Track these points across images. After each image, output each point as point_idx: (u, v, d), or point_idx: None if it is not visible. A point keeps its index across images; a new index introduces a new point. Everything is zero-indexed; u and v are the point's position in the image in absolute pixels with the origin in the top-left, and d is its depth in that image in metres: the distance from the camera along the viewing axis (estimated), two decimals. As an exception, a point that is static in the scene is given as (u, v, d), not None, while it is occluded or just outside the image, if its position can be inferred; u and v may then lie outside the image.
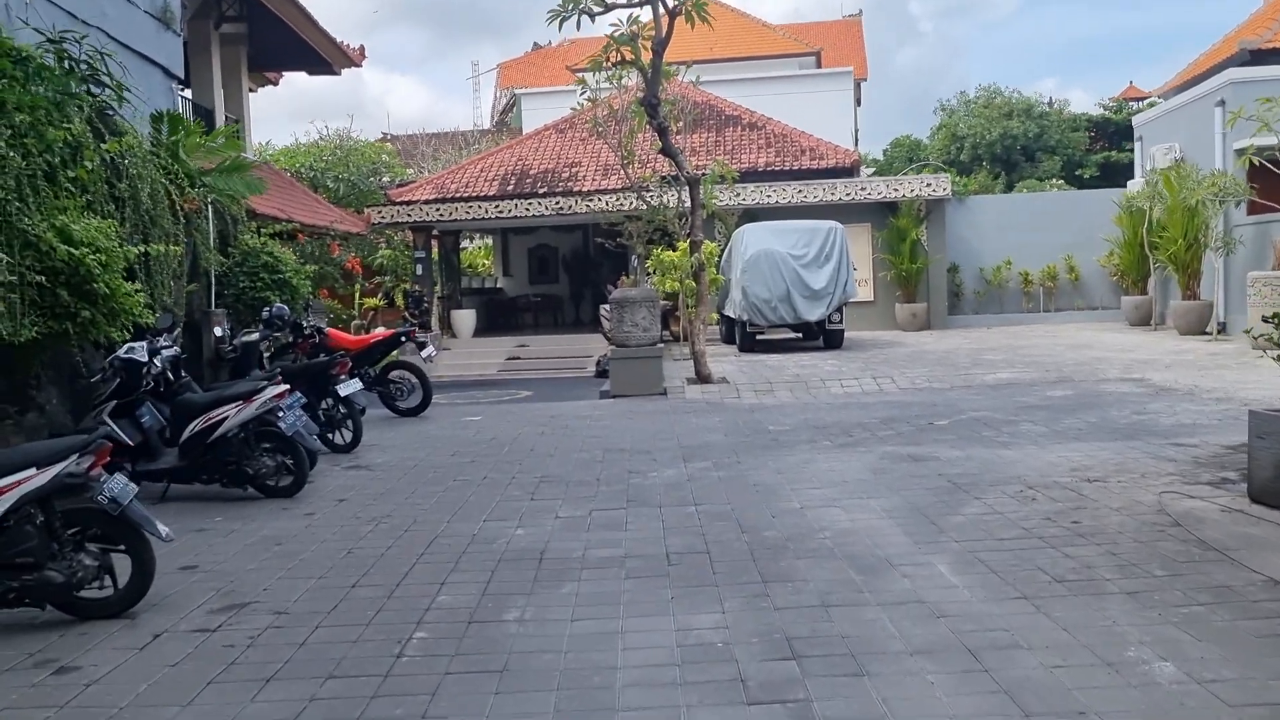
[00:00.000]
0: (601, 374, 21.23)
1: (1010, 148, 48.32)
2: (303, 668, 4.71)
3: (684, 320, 19.74)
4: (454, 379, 22.50)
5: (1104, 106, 53.27)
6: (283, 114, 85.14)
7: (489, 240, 34.46)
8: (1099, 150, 49.43)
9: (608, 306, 21.03)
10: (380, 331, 14.12)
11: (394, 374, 13.57)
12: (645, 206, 19.80)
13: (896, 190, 23.78)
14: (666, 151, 14.79)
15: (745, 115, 28.53)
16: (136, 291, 8.50)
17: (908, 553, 6.14)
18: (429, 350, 13.88)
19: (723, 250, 20.89)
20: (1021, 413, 11.48)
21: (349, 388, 10.57)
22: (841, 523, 6.93)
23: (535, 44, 57.66)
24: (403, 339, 13.52)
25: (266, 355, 12.36)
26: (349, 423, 10.70)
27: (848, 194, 23.83)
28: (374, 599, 5.70)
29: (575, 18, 13.87)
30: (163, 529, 5.55)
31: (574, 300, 30.80)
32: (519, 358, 24.46)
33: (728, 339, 22.10)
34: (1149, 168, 23.11)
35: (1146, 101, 39.36)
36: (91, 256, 7.75)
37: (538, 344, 24.98)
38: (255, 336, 11.09)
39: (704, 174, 16.00)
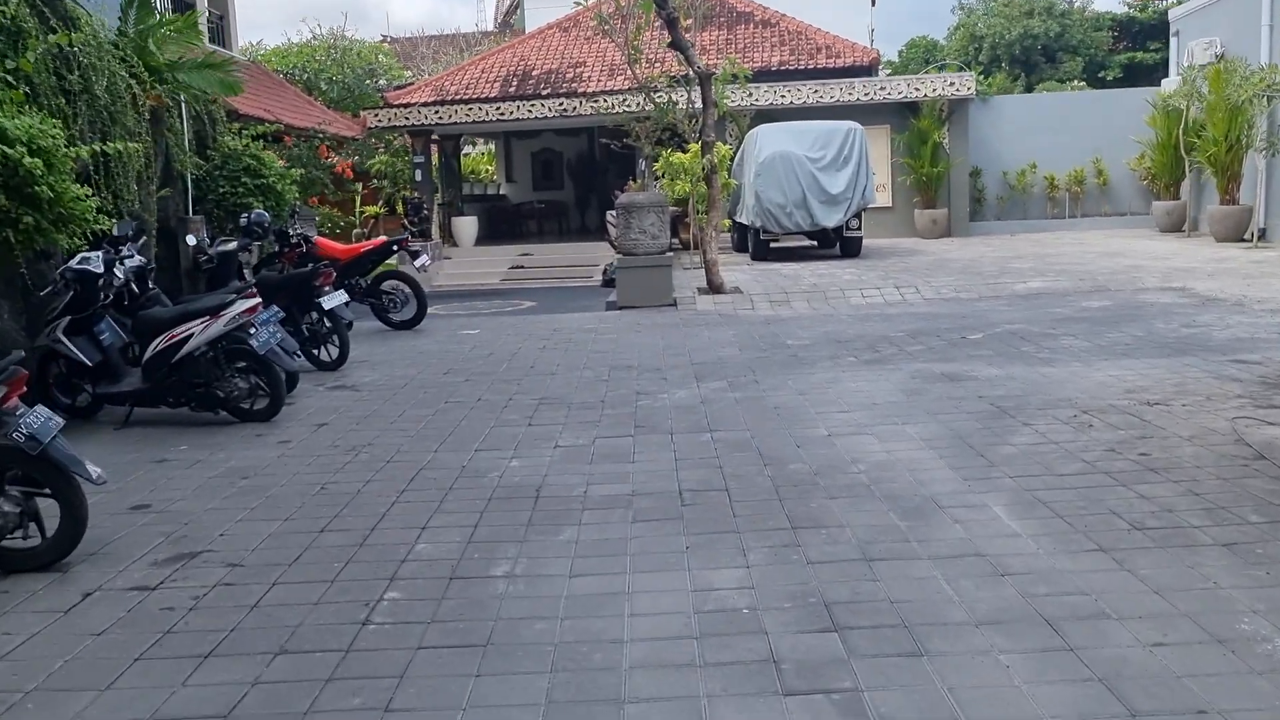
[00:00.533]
0: (608, 283, 20.38)
1: (1030, 48, 46.53)
2: (249, 639, 3.97)
3: (694, 227, 18.81)
4: (455, 288, 21.70)
5: (1129, 4, 51.27)
6: (281, 17, 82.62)
7: (492, 146, 33.30)
8: (1122, 50, 47.63)
9: (614, 212, 20.11)
10: (372, 240, 13.25)
11: (387, 285, 12.74)
12: (653, 107, 18.71)
13: (918, 90, 22.57)
14: (676, 45, 13.71)
15: (758, 11, 27.13)
16: (89, 196, 7.63)
17: (956, 491, 5.36)
18: (423, 259, 13.01)
19: (735, 153, 19.84)
20: (1059, 325, 10.64)
21: (333, 300, 9.74)
22: (876, 454, 6.14)
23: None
24: (395, 248, 12.66)
25: (250, 265, 11.54)
26: (335, 338, 9.90)
27: (866, 94, 22.63)
28: (344, 547, 4.96)
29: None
30: (93, 470, 4.78)
31: (579, 207, 29.77)
32: (522, 266, 23.57)
33: (739, 247, 21.17)
34: (1186, 64, 21.83)
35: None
36: (30, 158, 6.86)
37: (542, 252, 24.07)
38: (233, 245, 10.22)
39: (715, 71, 14.91)
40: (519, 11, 42.40)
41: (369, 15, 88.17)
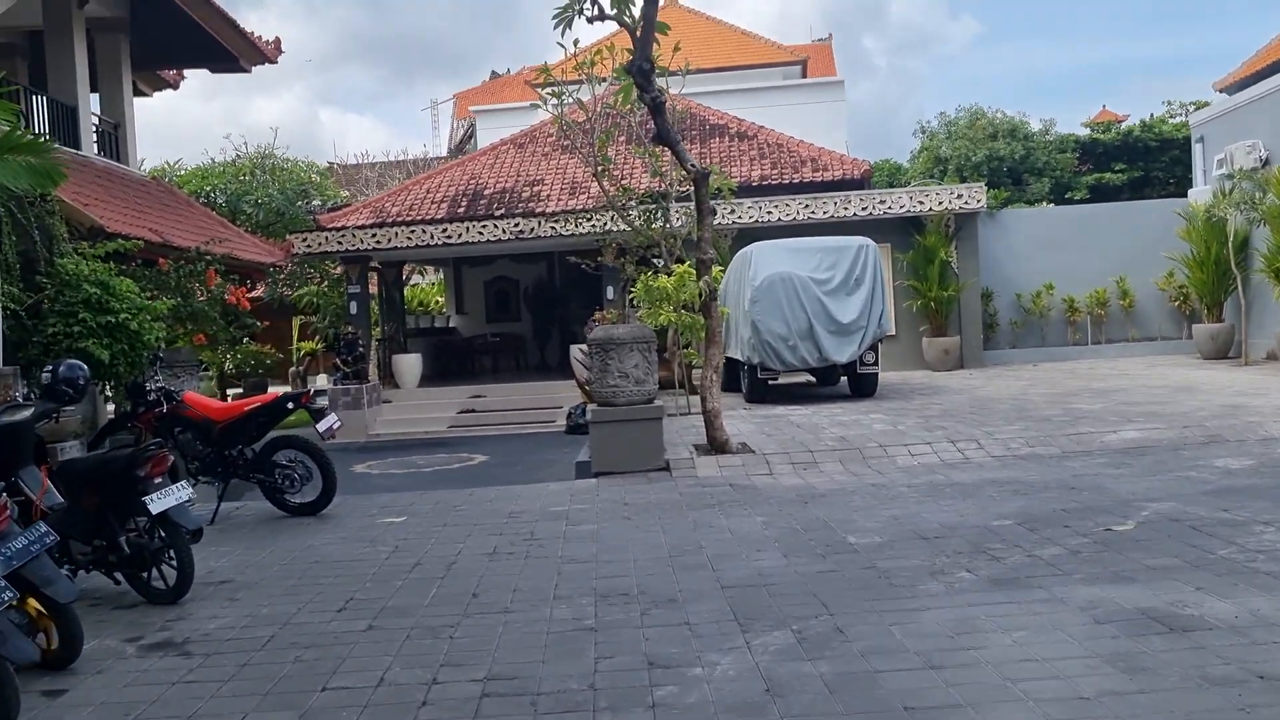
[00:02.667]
0: (574, 430, 17.33)
1: (997, 170, 44.97)
2: None
3: (677, 364, 15.72)
4: (394, 438, 18.52)
5: (1090, 127, 50.26)
6: (223, 145, 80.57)
7: (442, 275, 30.33)
8: (1088, 172, 46.32)
9: (582, 349, 17.03)
10: (258, 396, 9.99)
11: (282, 456, 9.40)
12: (625, 227, 15.84)
13: (921, 203, 19.96)
14: (662, 138, 10.82)
15: (733, 124, 24.71)
16: None
17: None
18: (329, 421, 9.69)
19: (720, 277, 16.90)
20: (1229, 503, 7.51)
21: (166, 500, 6.35)
22: None
23: (493, 72, 54.02)
24: (290, 405, 9.38)
25: (82, 439, 8.20)
26: (171, 554, 6.51)
27: (864, 208, 19.98)
28: None
29: (576, 18, 10.23)
30: None
31: (539, 340, 26.70)
32: (474, 410, 20.33)
33: (728, 386, 18.08)
34: (1220, 172, 19.45)
35: (1191, 103, 35.79)
36: None
37: (497, 393, 20.88)
38: (25, 415, 6.84)
39: (710, 170, 11.98)
40: (474, 140, 40.14)
41: (321, 149, 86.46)
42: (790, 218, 19.93)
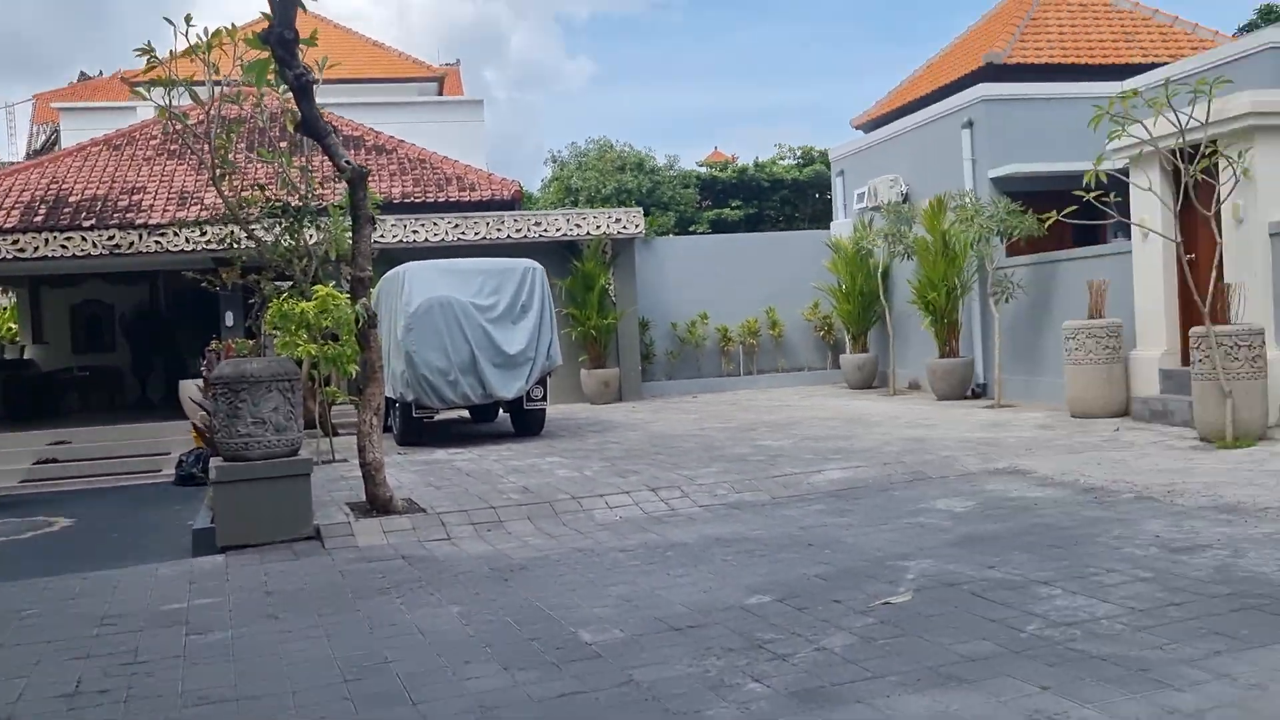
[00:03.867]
0: (187, 480, 14.60)
1: (625, 202, 45.57)
2: None
3: (318, 404, 13.48)
4: None
5: (707, 165, 52.44)
6: None
7: (14, 299, 25.59)
8: (708, 208, 48.19)
9: (197, 385, 14.38)
10: None
11: None
12: (249, 243, 13.38)
13: (579, 226, 18.86)
14: (309, 128, 8.74)
15: (369, 136, 22.51)
16: None
17: None
18: None
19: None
20: (984, 556, 6.64)
21: None
22: None
23: (82, 74, 47.80)
24: None
25: None
26: None
27: (518, 230, 18.57)
28: None
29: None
30: None
31: (139, 373, 22.96)
32: (56, 460, 16.80)
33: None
34: (862, 205, 19.89)
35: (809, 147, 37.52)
36: None
37: (86, 437, 17.42)
38: None
39: (368, 170, 9.90)
40: (58, 145, 34.78)
41: None
42: (439, 238, 18.15)
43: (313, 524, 8.53)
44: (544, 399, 13.87)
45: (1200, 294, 10.95)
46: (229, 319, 18.12)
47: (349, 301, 11.28)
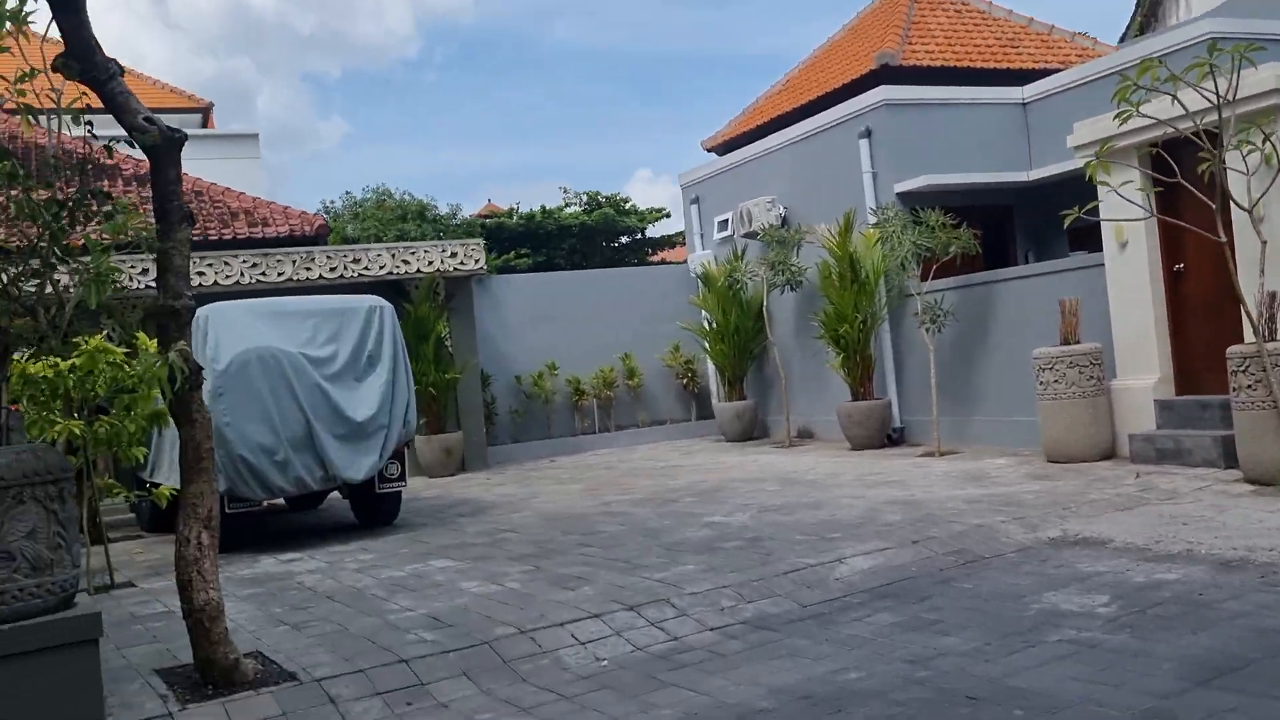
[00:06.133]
0: None
1: (408, 252, 42.23)
2: None
3: (84, 503, 9.66)
4: None
5: (491, 214, 49.74)
6: None
7: None
8: (496, 256, 45.47)
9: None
10: None
11: None
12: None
13: (407, 262, 15.54)
14: (78, 52, 5.35)
15: (130, 166, 18.43)
16: None
17: None
18: None
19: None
20: (1251, 710, 4.07)
21: None
22: None
23: None
24: None
25: None
26: None
27: (332, 269, 15.08)
28: None
29: None
30: None
31: None
32: None
33: (155, 524, 12.19)
34: (727, 233, 17.54)
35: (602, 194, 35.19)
36: None
37: None
38: None
39: (181, 133, 6.42)
40: None
41: None
42: (232, 281, 14.48)
43: (101, 715, 5.03)
44: (401, 478, 10.51)
45: (1239, 304, 8.98)
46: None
47: (153, 350, 7.82)
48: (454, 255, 15.83)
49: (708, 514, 9.62)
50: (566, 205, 34.71)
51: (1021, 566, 6.96)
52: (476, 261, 15.99)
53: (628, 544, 8.49)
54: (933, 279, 13.29)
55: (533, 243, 37.73)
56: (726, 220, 17.75)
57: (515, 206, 37.11)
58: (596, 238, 33.23)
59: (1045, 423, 11.06)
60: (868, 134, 14.36)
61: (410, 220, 42.41)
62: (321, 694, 5.34)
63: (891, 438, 14.16)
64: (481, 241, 16.49)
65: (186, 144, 5.86)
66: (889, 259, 13.24)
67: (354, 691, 5.37)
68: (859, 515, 8.86)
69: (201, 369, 5.71)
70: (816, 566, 7.12)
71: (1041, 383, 11.05)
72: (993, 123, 14.64)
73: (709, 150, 19.91)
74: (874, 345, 14.20)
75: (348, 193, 53.38)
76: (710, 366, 18.20)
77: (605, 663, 5.68)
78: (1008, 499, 9.08)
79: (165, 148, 5.50)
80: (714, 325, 17.02)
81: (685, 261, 19.46)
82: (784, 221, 16.11)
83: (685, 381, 18.55)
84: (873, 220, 13.90)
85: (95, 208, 5.92)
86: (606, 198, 34.52)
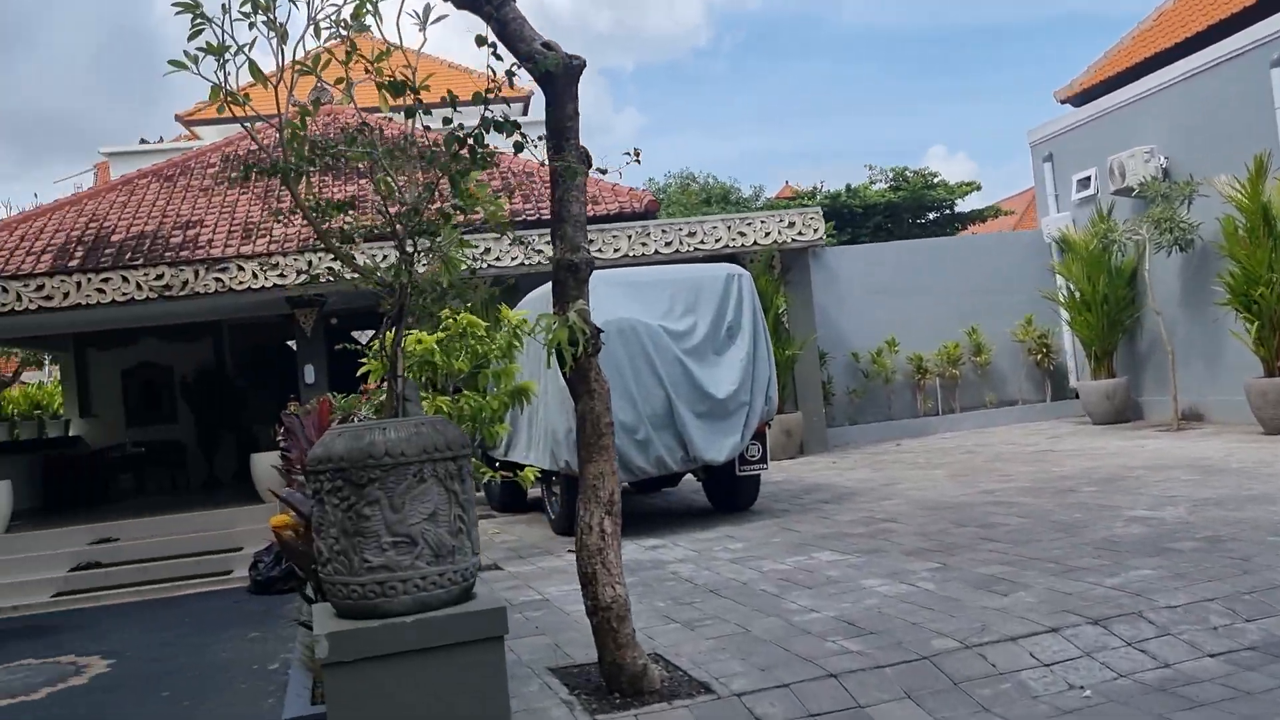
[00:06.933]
0: (265, 586, 10.95)
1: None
2: None
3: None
4: None
5: (788, 198, 48.54)
6: None
7: (59, 367, 22.08)
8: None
9: (276, 464, 10.56)
10: None
11: None
12: (340, 269, 9.56)
13: (743, 234, 14.83)
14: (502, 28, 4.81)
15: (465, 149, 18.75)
16: None
17: None
18: None
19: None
20: None
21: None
22: None
23: (142, 139, 45.29)
24: None
25: None
26: None
27: (667, 243, 14.60)
28: None
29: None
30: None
31: (205, 448, 19.30)
32: (99, 564, 13.08)
33: (506, 504, 12.10)
34: (1089, 192, 15.69)
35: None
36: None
37: (138, 531, 13.70)
38: None
39: (579, 60, 5.80)
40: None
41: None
42: (570, 258, 14.23)
43: (510, 731, 4.46)
44: (762, 460, 9.72)
45: None
46: (309, 374, 14.38)
47: (514, 320, 7.44)
48: (791, 225, 14.95)
49: (1125, 507, 8.20)
50: (872, 182, 33.17)
51: None
52: (815, 231, 15.03)
53: (1042, 540, 7.26)
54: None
55: (837, 222, 36.55)
56: (1088, 178, 15.87)
57: (819, 185, 35.92)
58: (903, 215, 31.50)
59: None
60: (1285, 61, 12.23)
61: (714, 204, 42.16)
62: (744, 712, 4.55)
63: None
64: (820, 210, 15.48)
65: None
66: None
67: (782, 711, 4.54)
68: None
69: (601, 331, 5.05)
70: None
71: None
72: None
73: (1063, 101, 17.95)
74: (1289, 314, 12.08)
75: (650, 179, 53.92)
76: (1069, 341, 16.42)
77: (1088, 694, 4.57)
78: None
79: (564, 75, 4.88)
80: (1077, 294, 15.22)
81: (1011, 229, 17.65)
82: (1165, 174, 14.13)
83: (1039, 358, 16.82)
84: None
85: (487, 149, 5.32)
86: (915, 172, 32.65)
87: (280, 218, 6.70)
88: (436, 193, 5.67)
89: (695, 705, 4.62)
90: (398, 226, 4.95)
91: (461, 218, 5.14)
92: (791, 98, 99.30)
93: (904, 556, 7.19)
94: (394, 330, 4.94)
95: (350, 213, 5.84)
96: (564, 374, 5.06)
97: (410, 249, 4.99)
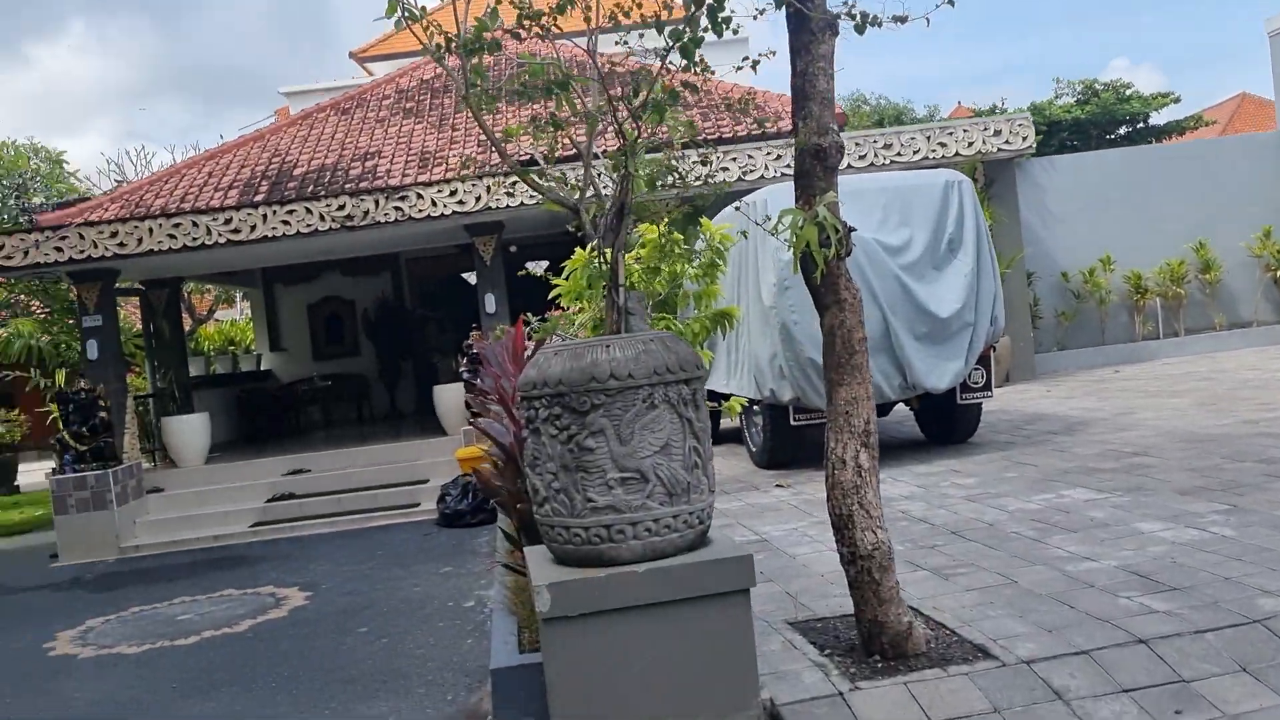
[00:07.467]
0: (453, 519, 10.71)
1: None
2: None
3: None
4: (162, 552, 11.89)
5: (976, 110, 45.85)
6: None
7: (250, 303, 22.58)
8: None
9: (467, 390, 10.40)
10: None
11: None
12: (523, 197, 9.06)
13: (944, 144, 13.65)
14: None
15: (665, 73, 18.00)
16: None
17: None
18: None
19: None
20: None
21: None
22: None
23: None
24: None
25: None
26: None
27: (861, 156, 13.58)
28: None
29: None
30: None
31: (387, 380, 19.42)
32: (293, 495, 13.16)
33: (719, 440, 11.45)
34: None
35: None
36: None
37: (328, 463, 13.73)
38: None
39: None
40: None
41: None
42: (757, 176, 13.41)
43: (759, 701, 3.81)
44: (986, 387, 8.79)
45: None
46: (490, 303, 14.04)
47: (716, 233, 6.80)
48: (998, 134, 13.69)
49: None
50: (1058, 96, 30.77)
51: None
52: (1024, 140, 13.73)
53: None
54: None
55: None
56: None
57: (999, 104, 33.61)
58: (1090, 131, 29.12)
59: None
60: None
61: (888, 124, 40.29)
62: (1039, 683, 3.78)
63: None
64: (1029, 117, 14.13)
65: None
66: None
67: (1086, 685, 3.75)
68: None
69: (854, 229, 4.30)
70: None
71: None
72: None
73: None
74: None
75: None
76: (1319, 255, 14.69)
77: None
78: None
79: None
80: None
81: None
82: None
83: (1279, 274, 15.13)
84: None
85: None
86: (1106, 84, 30.08)
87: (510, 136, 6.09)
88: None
89: (975, 673, 3.87)
90: (618, 107, 4.29)
91: (691, 96, 4.46)
92: (959, 16, 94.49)
93: (1179, 496, 6.21)
94: (615, 230, 4.28)
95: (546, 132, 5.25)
96: (809, 282, 4.32)
97: (633, 135, 4.30)
